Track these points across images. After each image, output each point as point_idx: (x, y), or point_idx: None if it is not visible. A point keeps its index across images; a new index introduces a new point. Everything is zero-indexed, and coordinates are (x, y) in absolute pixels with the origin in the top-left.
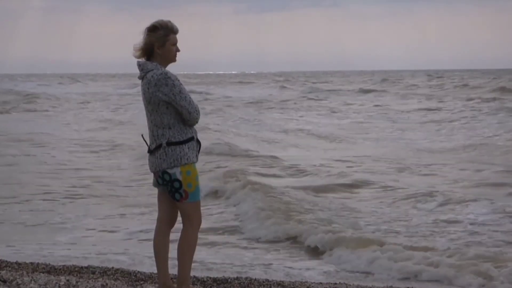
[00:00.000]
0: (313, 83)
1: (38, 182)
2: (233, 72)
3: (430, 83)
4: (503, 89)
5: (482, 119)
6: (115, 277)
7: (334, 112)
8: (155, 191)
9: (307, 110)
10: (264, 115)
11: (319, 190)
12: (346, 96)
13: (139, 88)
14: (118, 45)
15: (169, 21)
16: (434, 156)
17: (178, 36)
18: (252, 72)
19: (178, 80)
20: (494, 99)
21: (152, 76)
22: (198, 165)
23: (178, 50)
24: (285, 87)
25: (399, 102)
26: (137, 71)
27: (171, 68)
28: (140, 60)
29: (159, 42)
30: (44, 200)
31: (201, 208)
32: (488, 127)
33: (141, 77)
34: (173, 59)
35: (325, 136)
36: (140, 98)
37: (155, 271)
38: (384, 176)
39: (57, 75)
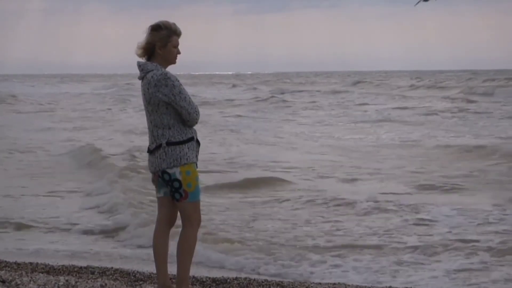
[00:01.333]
0: (301, 83)
1: None
2: (230, 73)
3: (407, 83)
4: (471, 90)
5: (430, 120)
6: (114, 277)
7: (283, 112)
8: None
9: (250, 110)
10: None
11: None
12: (310, 96)
13: (117, 89)
14: (118, 46)
15: (174, 23)
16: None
17: (179, 38)
18: (248, 72)
19: (178, 81)
20: (460, 100)
21: (152, 76)
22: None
23: (179, 53)
24: (255, 88)
25: (362, 102)
26: (136, 71)
27: (170, 69)
28: (140, 60)
29: (161, 42)
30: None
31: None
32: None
33: (141, 78)
34: (173, 61)
35: (252, 135)
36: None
37: (154, 271)
38: (286, 175)
39: (55, 75)
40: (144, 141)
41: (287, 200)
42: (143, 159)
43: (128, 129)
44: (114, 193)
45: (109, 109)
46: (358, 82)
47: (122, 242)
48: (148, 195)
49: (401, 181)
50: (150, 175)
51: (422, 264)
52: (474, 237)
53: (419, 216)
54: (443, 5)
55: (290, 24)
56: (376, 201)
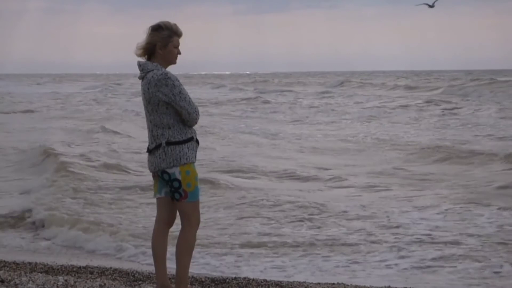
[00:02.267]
0: (296, 83)
1: None
2: (226, 73)
3: (392, 83)
4: (451, 89)
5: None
6: (113, 277)
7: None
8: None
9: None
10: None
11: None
12: (288, 97)
13: (101, 89)
14: (118, 46)
15: (175, 24)
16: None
17: (180, 39)
18: (246, 72)
19: (178, 81)
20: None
21: (152, 76)
22: None
23: (179, 53)
24: (239, 88)
25: (336, 102)
26: (136, 71)
27: (169, 69)
28: (140, 60)
29: (162, 42)
30: None
31: None
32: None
33: (141, 77)
34: (173, 61)
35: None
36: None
37: (154, 271)
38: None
39: (54, 75)
40: (105, 144)
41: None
42: (95, 160)
43: (91, 128)
44: (42, 192)
45: (81, 109)
46: (343, 82)
47: (33, 238)
48: (67, 197)
49: (369, 181)
50: (90, 176)
51: (374, 262)
52: (434, 235)
53: (389, 216)
54: (442, 6)
55: (290, 24)
56: (341, 204)
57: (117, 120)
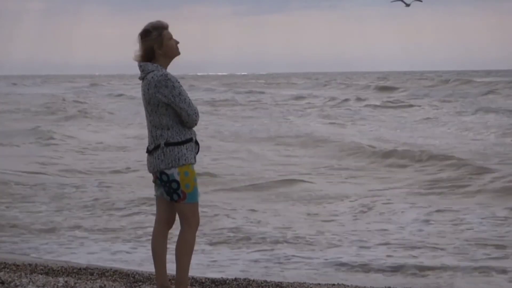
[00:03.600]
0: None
1: None
2: (224, 74)
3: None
4: (417, 91)
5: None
6: (113, 278)
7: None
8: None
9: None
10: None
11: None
12: (250, 98)
13: (75, 90)
14: (117, 47)
15: (157, 20)
16: None
17: (176, 36)
18: (243, 73)
19: (178, 82)
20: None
21: (152, 77)
22: None
23: (178, 42)
24: (213, 89)
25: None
26: (134, 72)
27: (170, 69)
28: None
29: (157, 43)
30: None
31: None
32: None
33: (142, 78)
34: (176, 52)
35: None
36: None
37: (153, 272)
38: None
39: (52, 76)
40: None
41: None
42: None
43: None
44: None
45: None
46: (322, 83)
47: None
48: None
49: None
50: None
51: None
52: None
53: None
54: (442, 6)
55: (290, 24)
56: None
57: (66, 123)
